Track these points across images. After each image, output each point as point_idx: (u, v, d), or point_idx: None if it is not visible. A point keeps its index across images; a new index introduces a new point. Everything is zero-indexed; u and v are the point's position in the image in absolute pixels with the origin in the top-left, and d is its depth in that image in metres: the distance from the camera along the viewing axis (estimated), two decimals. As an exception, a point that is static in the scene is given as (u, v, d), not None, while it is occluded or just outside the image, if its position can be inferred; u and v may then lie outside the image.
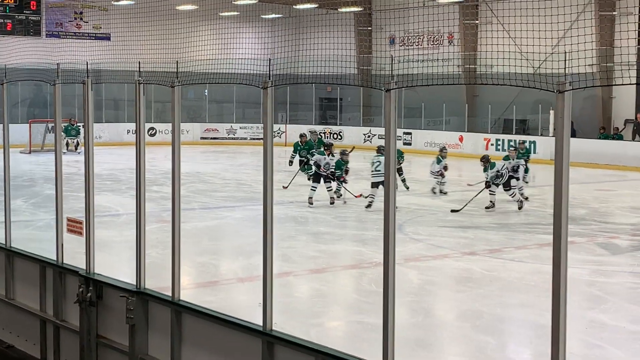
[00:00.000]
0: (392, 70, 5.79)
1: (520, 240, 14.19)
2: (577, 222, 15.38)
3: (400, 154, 18.10)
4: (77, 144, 29.14)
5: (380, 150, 17.36)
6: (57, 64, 8.60)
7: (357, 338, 8.63)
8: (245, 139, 37.60)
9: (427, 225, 15.46)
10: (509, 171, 17.22)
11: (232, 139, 37.88)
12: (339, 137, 37.29)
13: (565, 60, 4.87)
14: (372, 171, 16.92)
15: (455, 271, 11.91)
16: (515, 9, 8.94)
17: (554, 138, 17.06)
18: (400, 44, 35.47)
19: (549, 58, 6.89)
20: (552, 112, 29.65)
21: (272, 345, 5.97)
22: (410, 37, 35.43)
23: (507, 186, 17.26)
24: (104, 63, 12.28)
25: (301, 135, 22.81)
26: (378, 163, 16.45)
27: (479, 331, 9.33)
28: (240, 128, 38.18)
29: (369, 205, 16.55)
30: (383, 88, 5.35)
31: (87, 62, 8.26)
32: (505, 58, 6.45)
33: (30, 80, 13.09)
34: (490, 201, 17.07)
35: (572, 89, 4.29)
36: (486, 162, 17.29)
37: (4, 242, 9.36)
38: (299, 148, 21.85)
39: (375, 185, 16.68)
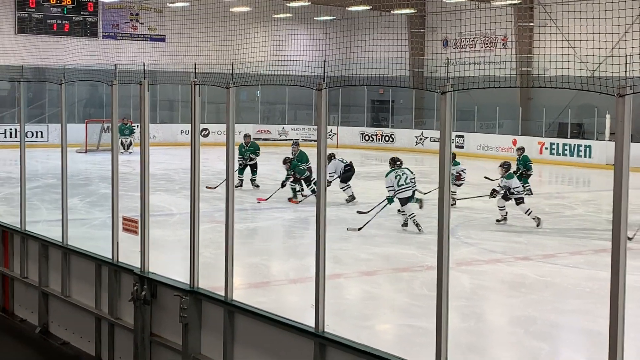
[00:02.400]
0: (447, 72, 5.75)
1: (575, 246, 13.98)
2: (635, 229, 15.12)
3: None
4: (130, 143, 29.50)
5: (395, 162, 16.08)
6: (115, 64, 8.72)
7: (408, 342, 8.59)
8: (296, 140, 37.71)
9: (479, 229, 15.32)
10: (503, 188, 15.85)
11: (284, 140, 38.01)
12: (391, 139, 37.18)
13: (626, 63, 4.78)
14: (397, 186, 14.94)
15: (508, 276, 11.78)
16: (572, 10, 8.82)
17: (609, 142, 16.85)
18: (454, 47, 35.24)
19: (607, 61, 6.77)
20: (608, 116, 29.16)
21: (324, 347, 5.97)
22: (463, 40, 35.18)
23: (518, 201, 15.75)
24: (159, 64, 12.41)
25: (246, 136, 20.89)
26: (405, 176, 15.15)
27: (533, 337, 9.22)
28: (292, 129, 38.29)
29: (404, 224, 15.05)
30: (438, 90, 5.31)
31: (144, 63, 8.36)
32: (561, 61, 6.36)
33: (88, 80, 13.31)
34: (502, 215, 15.85)
35: (634, 93, 4.21)
36: (507, 169, 15.87)
37: (60, 240, 9.51)
38: (243, 150, 19.93)
39: (404, 201, 15.05)
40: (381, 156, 33.76)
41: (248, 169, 20.19)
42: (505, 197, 15.51)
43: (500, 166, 16.04)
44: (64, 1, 34.55)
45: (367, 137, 37.66)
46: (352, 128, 38.03)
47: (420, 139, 35.67)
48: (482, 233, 14.97)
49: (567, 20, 8.60)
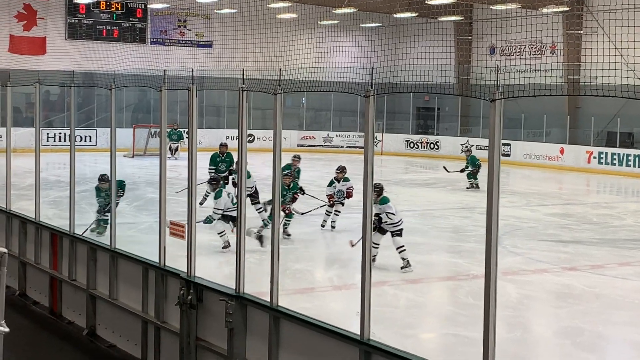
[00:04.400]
0: (497, 80, 5.71)
1: (623, 257, 13.77)
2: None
3: None
4: (177, 148, 29.76)
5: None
6: (164, 70, 8.81)
7: (452, 351, 8.54)
8: (341, 146, 37.72)
9: (526, 239, 15.15)
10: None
11: (329, 146, 38.04)
12: (436, 147, 37.01)
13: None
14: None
15: (555, 286, 11.64)
16: (621, 19, 8.71)
17: (661, 152, 16.33)
18: (501, 54, 34.97)
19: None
20: (659, 125, 28.71)
21: (370, 354, 5.95)
22: (511, 47, 34.90)
23: (394, 232, 12.00)
24: (207, 70, 12.51)
25: (221, 145, 17.81)
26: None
27: (580, 348, 9.10)
28: (337, 136, 38.31)
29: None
30: (488, 98, 5.27)
31: (192, 69, 8.44)
32: (611, 69, 6.29)
33: (138, 85, 13.46)
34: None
35: (688, 102, 4.14)
36: (378, 193, 11.82)
37: (108, 244, 9.63)
38: (217, 160, 16.95)
39: None
40: (426, 164, 33.65)
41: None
42: (381, 230, 11.66)
43: (374, 191, 11.09)
44: (113, 7, 35.03)
45: (412, 145, 37.52)
46: (397, 135, 37.93)
47: (466, 147, 35.47)
48: (528, 242, 14.81)
49: (617, 28, 8.50)
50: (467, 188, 22.15)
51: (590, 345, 9.29)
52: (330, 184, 15.18)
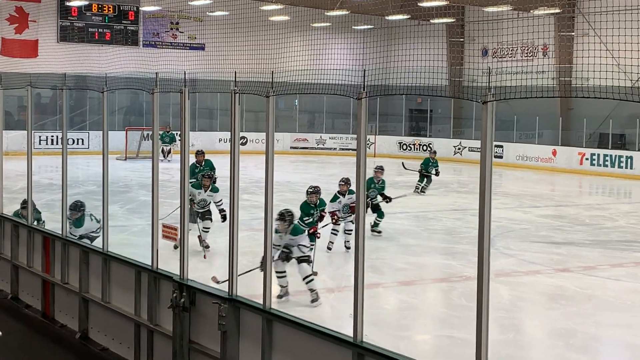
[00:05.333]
0: (489, 82, 5.71)
1: (616, 258, 13.81)
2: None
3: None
4: (170, 151, 29.74)
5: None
6: (156, 73, 8.79)
7: (446, 352, 8.55)
8: (334, 149, 37.76)
9: (518, 240, 15.19)
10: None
11: (322, 148, 38.07)
12: (429, 148, 37.09)
13: (671, 73, 4.71)
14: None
15: (548, 288, 11.67)
16: (613, 20, 8.73)
17: (652, 153, 16.41)
18: (493, 56, 35.06)
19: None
20: (650, 126, 28.81)
21: (363, 356, 5.94)
22: (503, 49, 34.98)
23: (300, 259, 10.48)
24: (199, 72, 12.49)
25: (198, 153, 15.97)
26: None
27: (573, 350, 9.12)
28: (330, 138, 38.35)
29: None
30: (480, 100, 5.27)
31: (184, 72, 8.42)
32: (603, 71, 6.30)
33: (130, 88, 13.42)
34: (282, 288, 10.52)
35: (680, 103, 4.14)
36: (289, 222, 10.21)
37: (101, 247, 9.60)
38: (196, 170, 15.33)
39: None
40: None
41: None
42: (287, 258, 10.21)
43: (285, 221, 10.11)
44: (105, 10, 34.99)
45: (404, 147, 37.57)
46: (390, 137, 37.99)
47: (459, 149, 35.52)
48: (521, 244, 14.84)
49: (608, 30, 8.52)
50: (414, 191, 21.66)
51: (582, 346, 9.30)
52: (334, 199, 13.34)
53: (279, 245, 10.06)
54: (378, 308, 9.80)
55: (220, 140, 34.62)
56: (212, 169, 15.45)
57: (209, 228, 13.19)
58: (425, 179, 22.12)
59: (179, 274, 7.97)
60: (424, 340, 9.35)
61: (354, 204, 12.11)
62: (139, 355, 8.65)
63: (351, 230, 13.04)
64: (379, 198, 15.55)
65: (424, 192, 21.85)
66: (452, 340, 9.05)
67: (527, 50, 33.99)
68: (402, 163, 23.67)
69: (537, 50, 33.48)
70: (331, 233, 13.43)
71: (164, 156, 29.06)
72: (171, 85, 8.75)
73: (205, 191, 13.17)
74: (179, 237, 8.23)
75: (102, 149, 9.86)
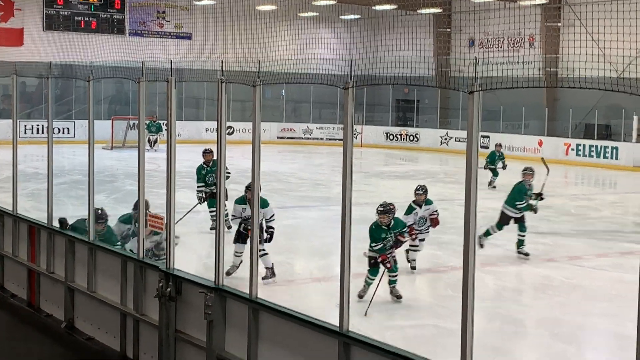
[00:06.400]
0: (475, 72, 5.71)
1: (601, 248, 13.88)
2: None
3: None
4: (156, 141, 29.66)
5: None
6: (142, 62, 8.76)
7: (432, 342, 8.58)
8: (321, 139, 37.76)
9: (505, 231, 15.22)
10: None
11: (309, 138, 38.06)
12: (416, 139, 37.09)
13: (657, 64, 4.73)
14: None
15: (534, 278, 11.72)
16: (600, 10, 8.74)
17: (637, 144, 16.67)
18: (480, 46, 35.09)
19: (636, 61, 6.71)
20: (635, 117, 28.93)
21: (349, 346, 5.95)
22: (490, 39, 35.02)
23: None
24: (186, 62, 12.44)
25: (205, 153, 14.49)
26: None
27: (559, 339, 9.17)
28: (317, 128, 38.34)
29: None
30: (466, 90, 5.28)
31: (171, 61, 8.40)
32: (588, 61, 6.31)
33: (116, 77, 13.36)
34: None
35: (665, 94, 4.16)
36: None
37: (86, 236, 9.57)
38: (203, 172, 14.24)
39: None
40: (406, 156, 33.72)
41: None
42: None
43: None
44: (91, -1, 34.82)
45: (391, 137, 37.61)
46: (377, 127, 38.02)
47: (445, 139, 35.59)
48: (507, 234, 14.87)
49: (595, 20, 8.53)
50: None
51: (568, 336, 9.36)
52: (409, 210, 11.50)
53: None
54: (364, 298, 9.82)
55: (207, 129, 34.55)
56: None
57: (264, 249, 10.65)
58: (493, 173, 21.76)
59: (165, 263, 7.96)
60: (410, 330, 9.37)
61: (434, 216, 11.57)
62: (124, 344, 8.64)
63: (418, 247, 11.69)
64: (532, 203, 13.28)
65: (494, 187, 21.31)
66: (437, 329, 9.09)
67: (514, 40, 34.05)
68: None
69: (524, 40, 33.55)
70: (406, 251, 11.65)
71: (151, 146, 28.98)
72: (157, 74, 8.72)
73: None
74: (165, 226, 8.22)
75: (88, 138, 9.82)
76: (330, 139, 37.07)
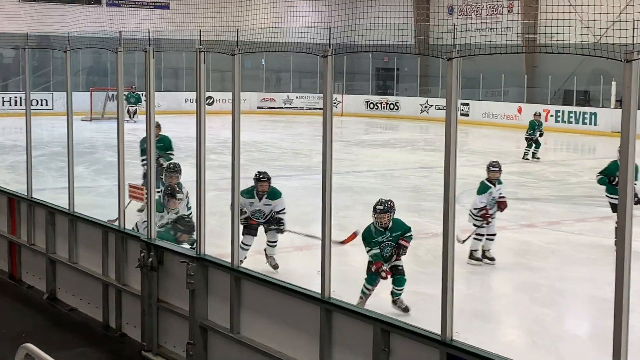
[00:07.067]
0: (454, 38, 5.72)
1: (580, 213, 14.02)
2: None
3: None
4: (136, 111, 29.48)
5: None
6: (120, 32, 8.69)
7: (414, 308, 8.64)
8: (301, 108, 37.68)
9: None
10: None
11: (289, 108, 37.96)
12: (396, 107, 37.09)
13: (634, 28, 4.75)
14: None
15: (513, 243, 11.81)
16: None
17: (615, 110, 16.78)
18: (459, 13, 35.03)
19: (614, 26, 6.73)
20: (614, 83, 29.06)
21: (330, 312, 6.00)
22: (469, 6, 34.96)
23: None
24: (164, 31, 12.34)
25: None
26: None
27: (537, 303, 9.28)
28: (297, 98, 38.23)
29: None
30: (444, 57, 5.29)
31: (148, 30, 8.33)
32: (567, 26, 6.32)
33: (93, 47, 13.24)
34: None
35: (642, 58, 4.19)
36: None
37: (67, 207, 9.55)
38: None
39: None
40: (386, 124, 33.75)
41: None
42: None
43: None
44: (67, -32, 34.36)
45: (372, 105, 37.59)
46: (357, 96, 37.97)
47: (425, 107, 35.62)
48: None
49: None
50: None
51: (547, 300, 9.47)
52: (484, 189, 10.44)
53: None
54: (346, 265, 9.87)
55: (186, 100, 34.38)
56: (169, 148, 13.06)
57: (275, 242, 10.13)
58: (533, 144, 21.55)
59: (146, 233, 7.97)
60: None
61: (503, 198, 10.42)
62: (107, 314, 8.67)
63: (493, 235, 10.49)
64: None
65: (538, 158, 21.30)
66: (419, 295, 9.15)
67: (493, 7, 34.01)
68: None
69: (502, 7, 33.52)
70: (474, 239, 10.53)
71: (130, 117, 28.80)
72: (135, 44, 8.66)
73: (261, 199, 9.87)
74: (145, 197, 8.21)
75: (66, 109, 9.76)
76: (310, 108, 36.99)
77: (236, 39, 7.22)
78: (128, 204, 8.81)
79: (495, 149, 24.42)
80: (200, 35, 7.68)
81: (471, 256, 10.43)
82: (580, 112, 30.19)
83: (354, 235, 8.90)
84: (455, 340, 5.17)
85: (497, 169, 10.42)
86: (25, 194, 10.52)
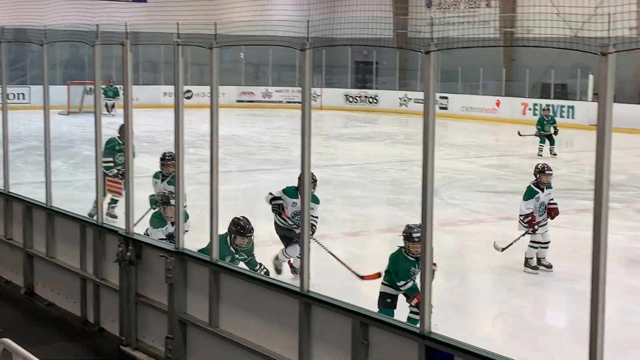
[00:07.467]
0: (432, 32, 5.74)
1: (558, 206, 14.08)
2: (616, 188, 15.25)
3: None
4: (114, 105, 29.32)
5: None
6: (97, 25, 8.64)
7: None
8: (280, 102, 37.62)
9: (463, 190, 15.41)
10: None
11: (268, 102, 37.89)
12: (375, 101, 37.13)
13: (609, 22, 4.78)
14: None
15: (492, 236, 11.85)
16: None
17: (592, 103, 16.99)
18: (437, 7, 35.07)
19: (590, 20, 6.78)
20: (591, 76, 29.22)
21: (309, 306, 6.01)
22: (447, 0, 35.02)
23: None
24: (142, 25, 12.29)
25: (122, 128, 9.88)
26: None
27: (515, 296, 9.35)
28: (276, 91, 38.17)
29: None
30: (422, 50, 5.29)
31: (126, 24, 8.30)
32: (544, 20, 6.36)
33: (70, 41, 13.17)
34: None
35: (617, 52, 4.22)
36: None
37: (44, 202, 9.49)
38: (116, 147, 11.96)
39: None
40: (365, 118, 33.78)
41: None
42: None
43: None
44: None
45: (351, 99, 37.60)
46: (336, 90, 37.96)
47: (404, 100, 35.65)
48: (466, 194, 15.06)
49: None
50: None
51: (525, 292, 9.55)
52: (531, 194, 9.91)
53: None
54: (326, 259, 9.88)
55: (165, 94, 34.15)
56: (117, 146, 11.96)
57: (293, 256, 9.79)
58: (547, 140, 20.88)
59: (124, 227, 7.94)
60: (370, 289, 9.44)
61: (553, 205, 9.86)
62: (85, 309, 8.63)
63: (547, 243, 9.97)
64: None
65: (555, 154, 20.73)
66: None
67: (471, 1, 34.07)
68: (518, 132, 22.06)
69: (481, 0, 33.59)
70: (529, 246, 10.05)
71: (108, 110, 28.63)
72: (113, 37, 8.63)
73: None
74: (124, 191, 8.18)
75: (43, 103, 9.70)
76: (289, 102, 36.95)
77: (214, 32, 7.21)
78: (105, 199, 8.77)
79: (474, 142, 24.53)
80: (178, 28, 7.65)
81: (526, 264, 10.01)
82: (557, 105, 30.35)
83: (377, 275, 8.33)
84: (433, 332, 5.19)
85: (550, 172, 9.92)
86: (2, 188, 10.45)
